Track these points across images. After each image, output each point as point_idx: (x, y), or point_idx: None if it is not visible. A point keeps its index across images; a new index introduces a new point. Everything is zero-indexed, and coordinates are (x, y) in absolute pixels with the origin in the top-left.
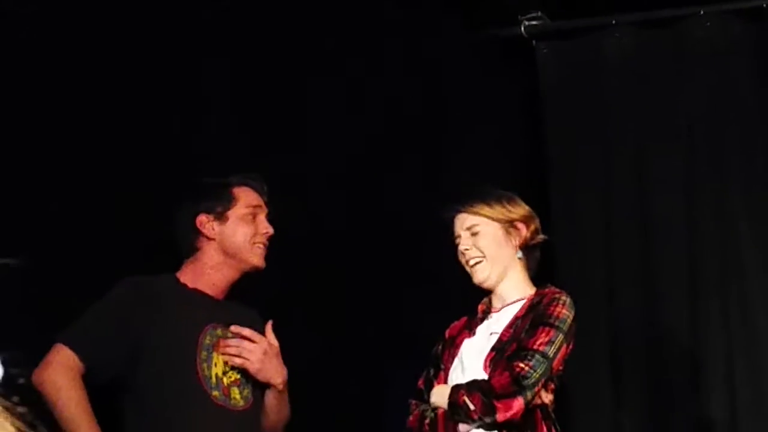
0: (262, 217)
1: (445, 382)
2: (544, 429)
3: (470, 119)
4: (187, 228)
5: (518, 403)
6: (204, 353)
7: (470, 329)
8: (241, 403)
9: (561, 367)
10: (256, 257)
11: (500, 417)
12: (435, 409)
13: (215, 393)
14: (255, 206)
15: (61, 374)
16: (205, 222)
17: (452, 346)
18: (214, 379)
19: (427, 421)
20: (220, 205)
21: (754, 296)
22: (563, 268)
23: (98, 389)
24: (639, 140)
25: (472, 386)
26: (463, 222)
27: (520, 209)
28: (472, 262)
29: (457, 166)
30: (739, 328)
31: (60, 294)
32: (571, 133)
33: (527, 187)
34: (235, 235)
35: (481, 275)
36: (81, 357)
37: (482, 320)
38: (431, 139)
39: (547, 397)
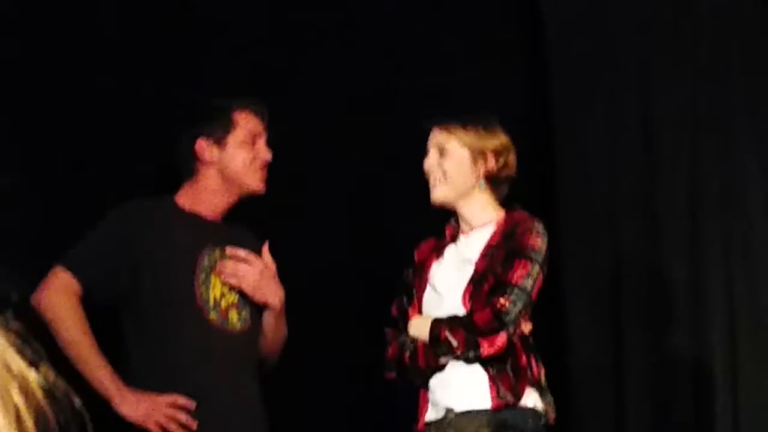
0: (261, 143)
1: (419, 310)
2: (524, 358)
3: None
4: (186, 151)
5: (501, 339)
6: (202, 275)
7: (438, 251)
8: (239, 325)
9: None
10: (255, 182)
11: (485, 352)
12: (414, 341)
13: (213, 315)
14: (255, 131)
15: (60, 297)
16: (204, 146)
17: (421, 272)
18: (212, 302)
19: (407, 353)
20: (219, 129)
21: (756, 229)
22: (565, 196)
23: (98, 311)
24: (644, 61)
25: (454, 322)
26: (435, 138)
27: (495, 140)
28: (431, 181)
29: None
30: (740, 259)
31: (58, 216)
32: (574, 60)
33: (530, 111)
34: (234, 161)
35: (436, 195)
36: (80, 280)
37: (450, 243)
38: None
39: (526, 327)
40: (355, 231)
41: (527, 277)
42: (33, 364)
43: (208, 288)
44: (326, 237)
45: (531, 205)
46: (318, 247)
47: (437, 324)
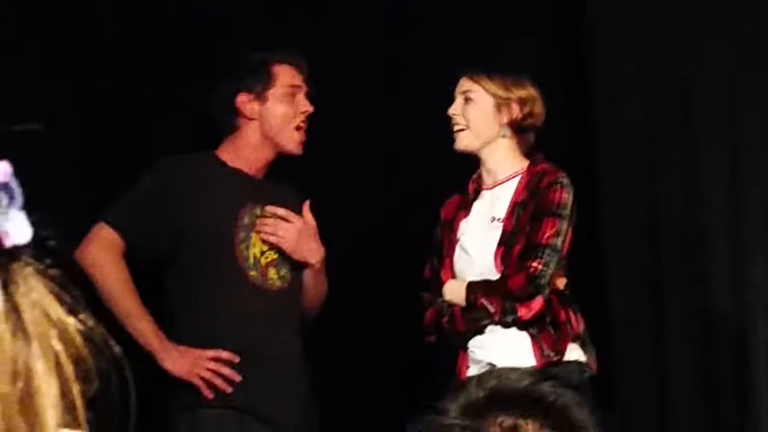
0: (301, 96)
1: (452, 272)
2: (563, 313)
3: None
4: (227, 107)
5: (538, 302)
6: (242, 234)
7: (466, 208)
8: (278, 282)
9: None
10: (293, 143)
11: (523, 317)
12: (451, 305)
13: (252, 273)
14: (294, 85)
15: (102, 252)
16: (245, 102)
17: (450, 231)
18: (251, 260)
19: (445, 318)
20: (259, 84)
21: None
22: (605, 155)
23: (141, 268)
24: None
25: (489, 288)
26: (462, 86)
27: (521, 90)
28: (455, 128)
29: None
30: None
31: (97, 165)
32: (612, 24)
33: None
34: (275, 117)
35: (460, 143)
36: (122, 235)
37: (475, 199)
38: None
39: (561, 282)
40: (392, 192)
41: (557, 235)
42: (72, 311)
43: (248, 246)
44: (364, 198)
45: (571, 163)
46: (355, 207)
47: (473, 289)
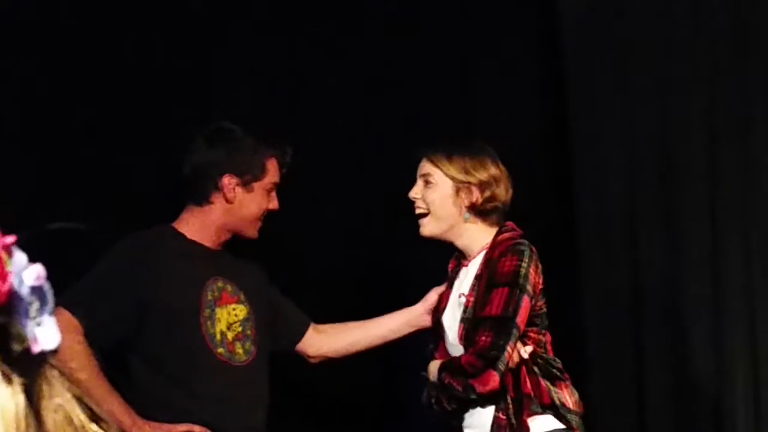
0: (274, 194)
1: (445, 352)
2: (529, 384)
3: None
4: (207, 179)
5: (492, 377)
6: (207, 311)
7: (449, 287)
8: (244, 357)
9: (540, 307)
10: (255, 233)
11: (481, 392)
12: (437, 386)
13: (220, 350)
14: (276, 182)
15: (64, 336)
16: (232, 185)
17: (437, 312)
18: (218, 336)
19: (433, 400)
20: (250, 173)
21: None
22: (583, 214)
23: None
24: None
25: (451, 368)
26: (422, 168)
27: (482, 172)
28: (417, 212)
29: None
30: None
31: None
32: (588, 43)
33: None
34: (252, 209)
35: (424, 229)
36: (80, 319)
37: (455, 277)
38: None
39: (525, 352)
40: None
41: (506, 305)
42: (94, 418)
43: (213, 323)
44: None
45: (550, 222)
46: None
47: (441, 370)
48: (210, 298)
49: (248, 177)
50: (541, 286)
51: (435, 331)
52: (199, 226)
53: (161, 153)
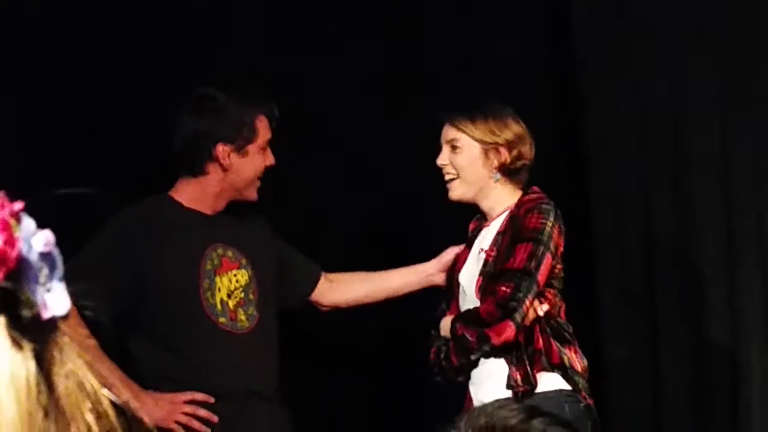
0: (269, 150)
1: (457, 309)
2: (540, 342)
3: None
4: (199, 151)
5: (508, 327)
6: (207, 281)
7: (468, 247)
8: (247, 323)
9: (559, 271)
10: (254, 193)
11: (495, 343)
12: (447, 341)
13: (222, 320)
14: (268, 138)
15: None
16: (226, 153)
17: (453, 270)
18: (219, 306)
19: (442, 355)
20: (242, 138)
21: None
22: (596, 180)
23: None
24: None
25: (466, 318)
26: (446, 134)
27: (507, 132)
28: (446, 178)
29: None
30: None
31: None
32: (602, 32)
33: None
34: (249, 171)
35: (453, 193)
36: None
37: (475, 237)
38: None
39: (540, 309)
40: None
41: (529, 259)
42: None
43: (213, 293)
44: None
45: (562, 192)
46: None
47: (455, 321)
48: (209, 267)
49: (241, 142)
50: (561, 249)
51: (448, 291)
52: (197, 194)
53: (161, 153)
